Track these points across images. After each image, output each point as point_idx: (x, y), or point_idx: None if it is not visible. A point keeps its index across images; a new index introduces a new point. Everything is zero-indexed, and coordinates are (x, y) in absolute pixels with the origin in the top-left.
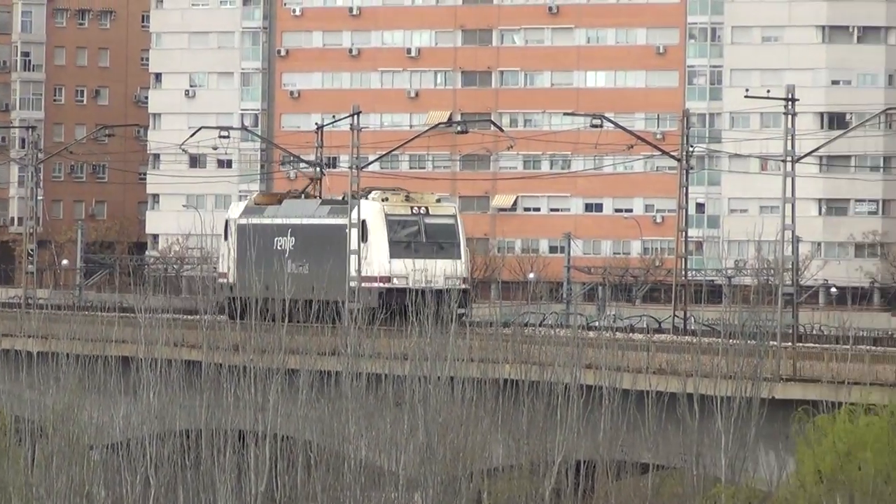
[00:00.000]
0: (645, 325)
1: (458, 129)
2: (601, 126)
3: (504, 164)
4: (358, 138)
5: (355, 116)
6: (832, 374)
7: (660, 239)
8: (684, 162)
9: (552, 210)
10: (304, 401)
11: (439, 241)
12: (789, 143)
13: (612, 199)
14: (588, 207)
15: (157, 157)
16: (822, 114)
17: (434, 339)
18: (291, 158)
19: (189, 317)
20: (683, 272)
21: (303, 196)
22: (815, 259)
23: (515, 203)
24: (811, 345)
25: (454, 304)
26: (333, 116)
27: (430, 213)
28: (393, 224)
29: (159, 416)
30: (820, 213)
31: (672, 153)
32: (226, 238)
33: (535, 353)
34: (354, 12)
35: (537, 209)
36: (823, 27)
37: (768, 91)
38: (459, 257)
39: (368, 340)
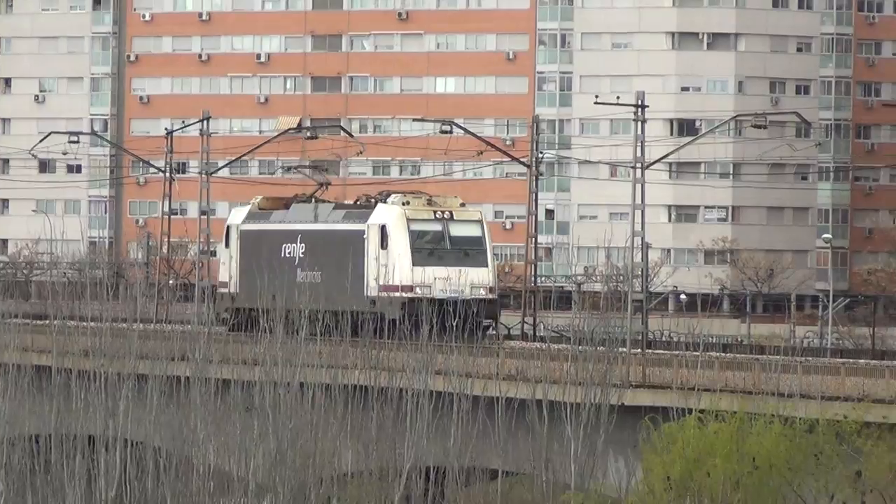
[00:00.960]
0: (496, 332)
1: (308, 134)
2: (451, 132)
3: (354, 170)
4: (208, 143)
5: (205, 122)
6: (681, 381)
7: (510, 245)
8: (534, 168)
9: None
10: (153, 406)
11: (465, 249)
12: (639, 149)
13: None
14: None
15: (6, 162)
16: (671, 120)
17: (284, 345)
18: (141, 163)
19: (39, 322)
20: (533, 278)
21: (313, 200)
22: (664, 265)
23: None
24: (661, 351)
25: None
26: (183, 122)
27: (455, 217)
28: (415, 230)
29: (9, 421)
30: (670, 220)
31: (522, 159)
32: (226, 245)
33: (385, 359)
34: (204, 17)
35: None
36: (673, 34)
37: (618, 97)
38: (487, 265)
39: (218, 346)
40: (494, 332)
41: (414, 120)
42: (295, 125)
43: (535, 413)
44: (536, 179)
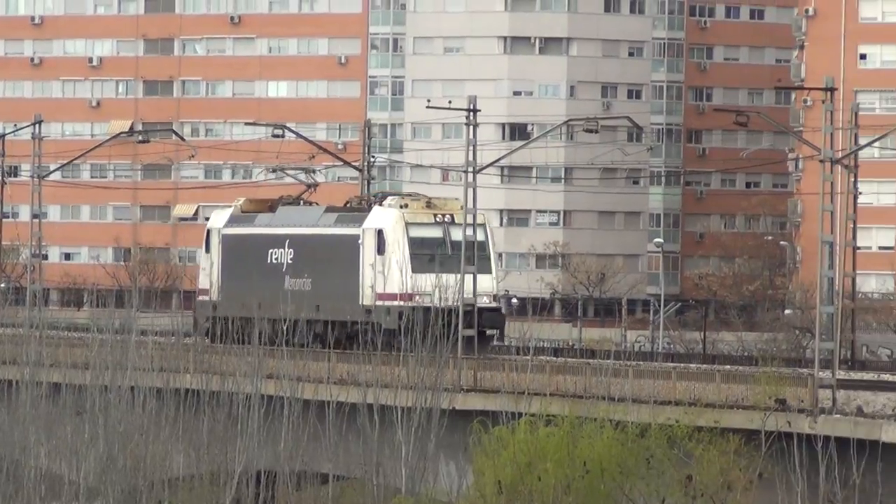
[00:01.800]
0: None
1: (140, 138)
2: (283, 136)
3: (186, 174)
4: (39, 147)
5: (37, 125)
6: (512, 385)
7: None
8: (366, 172)
9: None
10: None
11: (467, 254)
12: (470, 153)
13: None
14: None
15: None
16: (503, 124)
17: (114, 349)
18: None
19: None
20: None
21: (301, 202)
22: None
23: (197, 212)
24: (493, 356)
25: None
26: (15, 125)
27: (456, 221)
28: (415, 234)
29: None
30: (501, 224)
31: (353, 163)
32: (207, 250)
33: (216, 363)
34: (36, 21)
35: None
36: (505, 38)
37: (450, 101)
38: (490, 272)
39: (50, 350)
40: (499, 343)
41: (246, 124)
42: (127, 129)
43: (366, 417)
44: (368, 183)
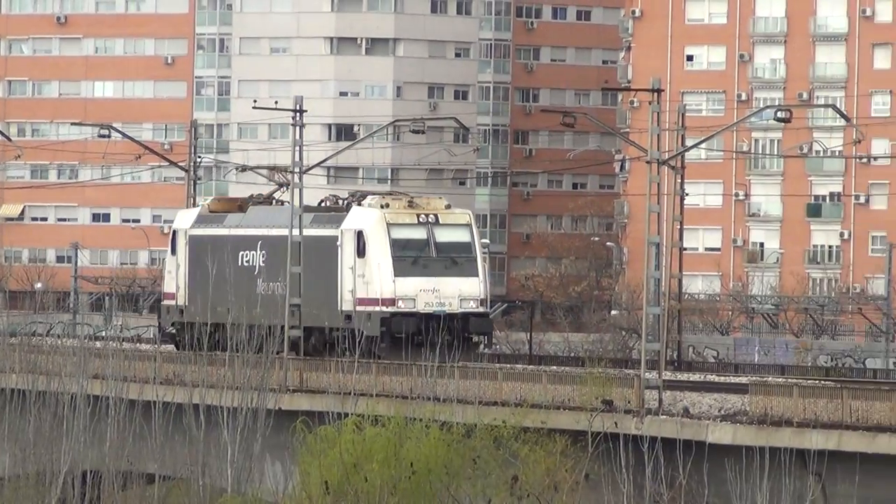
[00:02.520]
0: (153, 335)
1: None
2: (109, 136)
3: (11, 174)
4: None
5: None
6: (339, 386)
7: (167, 249)
8: (192, 172)
9: (60, 220)
10: None
11: (452, 256)
12: (297, 154)
13: (120, 210)
14: (96, 217)
15: None
16: (330, 125)
17: None
18: None
19: None
20: None
21: (274, 202)
22: None
23: (23, 212)
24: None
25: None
26: None
27: (441, 221)
28: (397, 236)
29: None
30: None
31: (180, 164)
32: (173, 252)
33: (42, 363)
34: None
35: (45, 219)
36: (332, 39)
37: (276, 102)
38: (477, 275)
39: None
40: (486, 350)
41: (72, 124)
42: None
43: (192, 417)
44: (195, 184)
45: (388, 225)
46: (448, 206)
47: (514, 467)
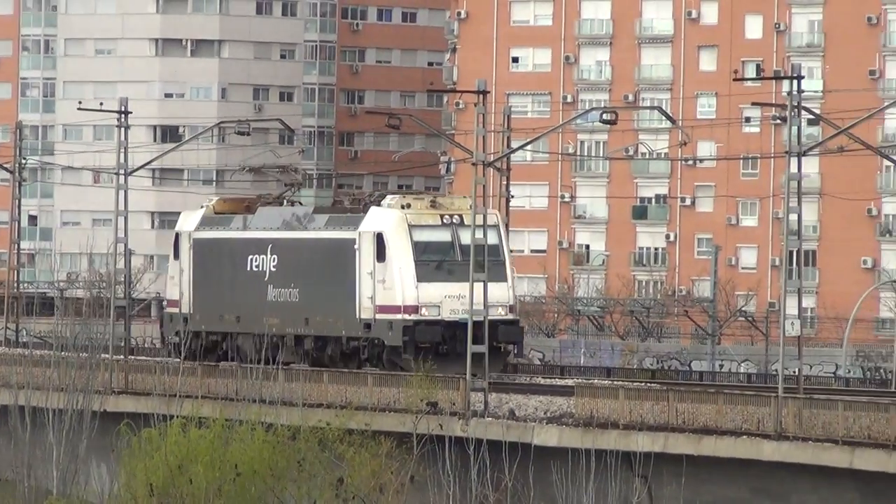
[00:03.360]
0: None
1: None
2: None
3: None
4: None
5: None
6: (164, 388)
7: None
8: (17, 174)
9: None
10: None
11: (479, 260)
12: (122, 155)
13: None
14: None
15: None
16: (155, 126)
17: None
18: None
19: None
20: (16, 284)
21: (285, 202)
22: (147, 272)
23: None
24: (144, 358)
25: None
26: None
27: (466, 222)
28: (419, 238)
29: None
30: (153, 227)
31: (5, 165)
32: (176, 256)
33: None
34: None
35: None
36: (157, 40)
37: (101, 103)
38: (505, 279)
39: None
40: (518, 360)
41: None
42: None
43: (18, 419)
44: (20, 185)
45: (410, 226)
46: (472, 206)
47: (340, 469)
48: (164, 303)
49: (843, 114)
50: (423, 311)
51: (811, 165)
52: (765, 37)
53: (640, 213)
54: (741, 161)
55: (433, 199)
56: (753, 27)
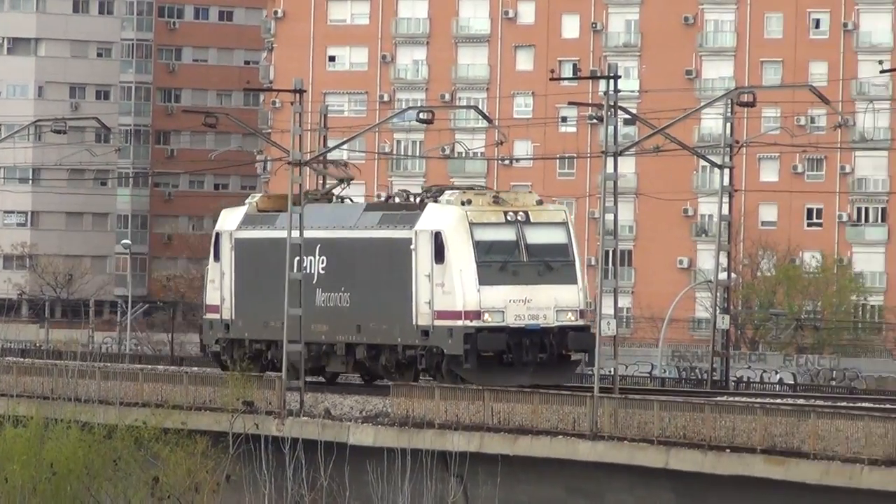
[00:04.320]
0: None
1: None
2: None
3: None
4: None
5: None
6: None
7: None
8: None
9: None
10: None
11: (546, 260)
12: None
13: None
14: None
15: None
16: None
17: None
18: None
19: None
20: None
21: (335, 198)
22: None
23: None
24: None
25: None
26: None
27: (532, 220)
28: (481, 238)
29: None
30: None
31: None
32: (216, 258)
33: None
34: None
35: None
36: None
37: None
38: (575, 282)
39: None
40: (591, 371)
41: None
42: None
43: None
44: None
45: (471, 225)
46: (540, 202)
47: (156, 468)
48: (203, 308)
49: (659, 114)
50: (486, 316)
51: (627, 165)
52: (581, 36)
53: None
54: (557, 161)
55: (496, 195)
56: (570, 27)
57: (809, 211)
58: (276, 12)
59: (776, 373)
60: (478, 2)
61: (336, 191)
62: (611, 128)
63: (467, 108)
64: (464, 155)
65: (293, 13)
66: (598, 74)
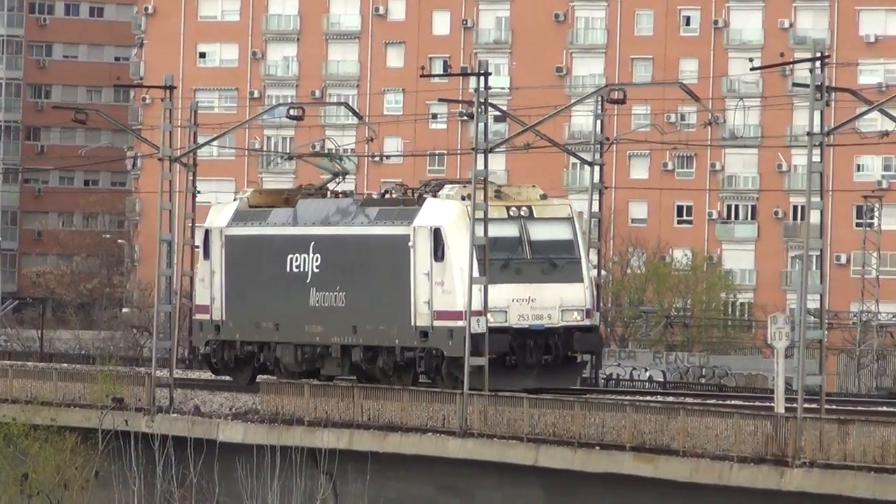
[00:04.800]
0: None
1: None
2: None
3: None
4: None
5: None
6: None
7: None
8: None
9: None
10: None
11: (551, 257)
12: None
13: None
14: None
15: None
16: None
17: None
18: None
19: None
20: None
21: (329, 193)
22: None
23: None
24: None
25: None
26: None
27: (536, 215)
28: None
29: None
30: None
31: None
32: (206, 256)
33: None
34: None
35: None
36: None
37: None
38: (581, 280)
39: None
40: (602, 373)
41: None
42: None
43: None
44: None
45: (472, 220)
46: (544, 196)
47: (25, 465)
48: (192, 308)
49: (530, 111)
50: (489, 316)
51: (498, 162)
52: (452, 33)
53: None
54: (428, 157)
55: (497, 189)
56: (441, 24)
57: (679, 208)
58: (146, 8)
59: (646, 370)
60: None
61: (331, 185)
62: (481, 125)
63: (338, 104)
64: (334, 151)
65: (163, 9)
66: (469, 71)
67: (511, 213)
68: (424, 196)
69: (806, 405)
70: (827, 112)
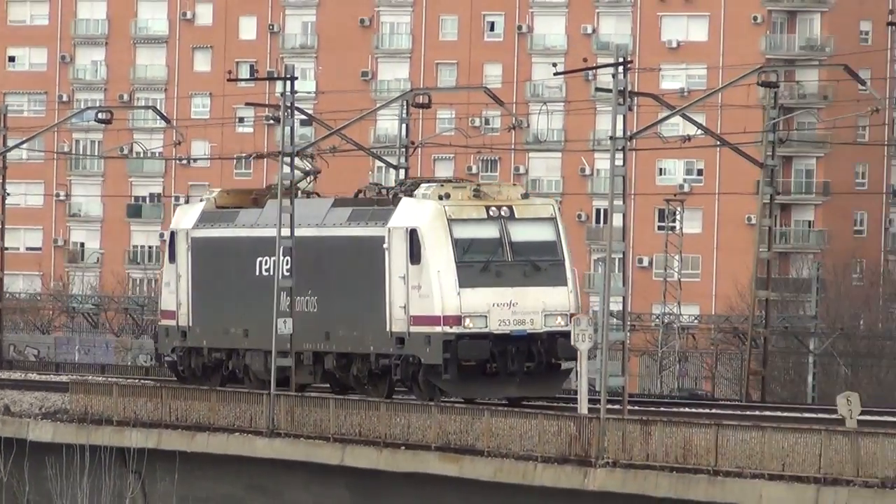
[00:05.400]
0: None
1: None
2: None
3: None
4: None
5: None
6: None
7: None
8: None
9: None
10: None
11: (533, 260)
12: None
13: None
14: None
15: None
16: None
17: None
18: None
19: None
20: None
21: (299, 194)
22: None
23: None
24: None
25: None
26: None
27: (517, 215)
28: (461, 235)
29: None
30: None
31: None
32: (172, 259)
33: None
34: None
35: None
36: None
37: None
38: (565, 283)
39: None
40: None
41: None
42: None
43: None
44: None
45: (450, 221)
46: (525, 195)
47: None
48: (158, 314)
49: (336, 114)
50: (467, 322)
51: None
52: (259, 38)
53: (135, 211)
54: (235, 160)
55: (476, 188)
56: (248, 28)
57: None
58: None
59: None
60: (156, 3)
61: (302, 185)
62: (287, 128)
63: (145, 108)
64: (142, 155)
65: None
66: (275, 75)
67: (491, 214)
68: (400, 196)
69: (609, 406)
70: (630, 116)
